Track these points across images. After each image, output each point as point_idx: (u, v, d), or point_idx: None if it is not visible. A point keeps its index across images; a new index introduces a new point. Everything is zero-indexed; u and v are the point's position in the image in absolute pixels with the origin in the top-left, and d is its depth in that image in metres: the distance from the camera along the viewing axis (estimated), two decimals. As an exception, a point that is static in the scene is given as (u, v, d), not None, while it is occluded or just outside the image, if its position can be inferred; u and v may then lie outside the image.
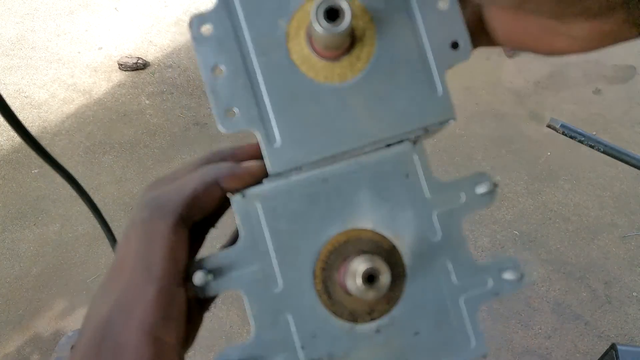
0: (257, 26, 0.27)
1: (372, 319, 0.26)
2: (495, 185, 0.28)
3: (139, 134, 2.37)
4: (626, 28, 0.24)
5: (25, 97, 2.47)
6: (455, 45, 0.27)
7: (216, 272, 0.25)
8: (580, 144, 1.06)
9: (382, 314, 0.26)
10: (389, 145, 0.27)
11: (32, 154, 0.52)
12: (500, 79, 2.89)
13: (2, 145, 2.26)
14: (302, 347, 0.25)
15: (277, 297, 0.25)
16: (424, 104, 0.27)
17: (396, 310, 0.26)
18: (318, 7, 0.23)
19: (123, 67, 2.63)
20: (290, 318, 0.25)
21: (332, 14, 0.24)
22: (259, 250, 0.26)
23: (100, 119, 2.42)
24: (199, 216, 0.27)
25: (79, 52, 2.73)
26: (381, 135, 0.27)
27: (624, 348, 1.09)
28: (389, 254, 0.26)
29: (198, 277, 0.25)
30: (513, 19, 0.27)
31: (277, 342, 0.25)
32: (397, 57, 0.27)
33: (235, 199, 0.26)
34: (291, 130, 0.27)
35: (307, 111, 0.27)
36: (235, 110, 0.26)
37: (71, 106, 2.46)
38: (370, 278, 0.23)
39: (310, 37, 0.27)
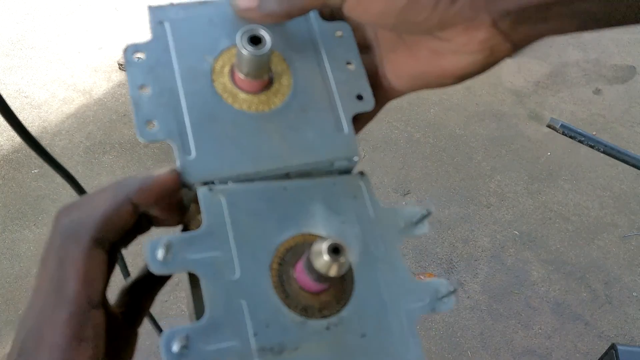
0: (186, 59, 0.30)
1: (323, 317, 0.27)
2: (428, 213, 0.31)
3: (139, 134, 2.37)
4: (497, 38, 0.27)
5: (25, 97, 2.47)
6: (360, 97, 0.32)
7: (175, 253, 0.26)
8: (580, 144, 1.06)
9: (332, 312, 0.27)
10: (340, 173, 0.31)
11: (32, 154, 0.52)
12: (500, 79, 2.89)
13: (2, 145, 2.26)
14: (255, 334, 0.25)
15: (233, 283, 0.26)
16: (331, 141, 0.31)
17: (345, 311, 0.28)
18: (243, 34, 0.27)
19: (123, 67, 2.63)
20: (244, 305, 0.26)
21: (255, 41, 0.28)
22: (220, 238, 0.27)
23: (100, 119, 2.42)
24: (114, 236, 0.27)
25: (79, 52, 2.73)
26: (290, 162, 0.30)
27: (624, 348, 1.09)
28: None
29: (160, 253, 0.25)
30: (403, 54, 0.31)
31: (230, 327, 0.25)
32: (310, 98, 0.31)
33: (201, 190, 0.28)
34: (206, 145, 0.28)
35: (224, 131, 0.29)
36: (155, 122, 0.28)
37: (71, 106, 2.46)
38: (335, 250, 0.24)
39: (233, 74, 0.30)
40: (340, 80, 0.32)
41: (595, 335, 1.89)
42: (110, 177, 2.18)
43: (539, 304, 1.97)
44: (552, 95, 2.86)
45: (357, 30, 0.34)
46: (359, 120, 0.33)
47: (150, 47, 0.30)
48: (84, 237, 0.26)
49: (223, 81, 0.30)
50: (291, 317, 0.26)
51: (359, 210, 0.30)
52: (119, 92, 2.55)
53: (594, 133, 2.61)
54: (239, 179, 0.29)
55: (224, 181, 0.28)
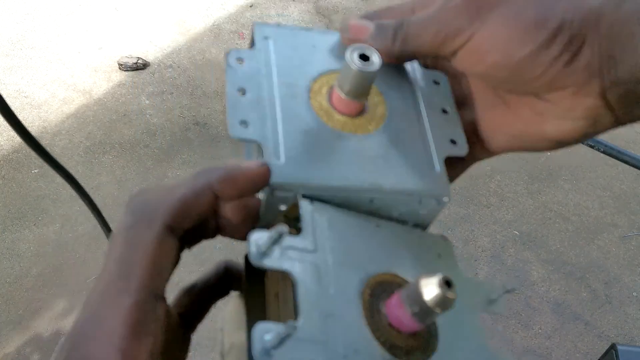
0: (285, 75, 0.31)
1: None
2: (511, 290, 0.30)
3: (139, 134, 2.37)
4: (603, 108, 0.27)
5: (25, 97, 2.47)
6: (453, 142, 0.31)
7: (276, 250, 0.25)
8: (580, 144, 1.06)
9: (418, 358, 0.26)
10: (424, 229, 0.31)
11: (32, 154, 0.52)
12: (500, 79, 2.89)
13: (2, 145, 2.26)
14: (344, 357, 0.24)
15: (328, 298, 0.25)
16: (421, 176, 0.30)
17: None
18: (354, 50, 0.28)
19: (123, 67, 2.63)
20: (337, 324, 0.24)
21: (364, 59, 0.28)
22: (318, 250, 0.26)
23: (100, 119, 2.42)
24: (189, 224, 0.25)
25: (79, 52, 2.73)
26: (378, 184, 0.29)
27: (624, 348, 1.09)
28: None
29: (263, 244, 0.24)
30: (501, 113, 0.31)
31: (320, 342, 0.24)
32: (403, 133, 0.31)
33: (304, 202, 0.28)
34: (296, 154, 0.28)
35: (315, 144, 0.29)
36: (249, 124, 0.28)
37: (71, 106, 2.46)
38: (447, 283, 0.24)
39: (331, 95, 0.30)
40: (434, 124, 0.32)
41: (595, 335, 1.89)
42: (110, 177, 2.19)
43: (539, 304, 1.97)
44: (552, 95, 2.86)
45: (453, 85, 0.34)
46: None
47: (252, 56, 0.31)
48: (158, 221, 0.24)
49: (320, 100, 0.31)
50: (380, 351, 0.25)
51: (443, 271, 0.29)
52: (119, 92, 2.55)
53: (594, 133, 2.60)
54: (326, 192, 0.28)
55: (310, 190, 0.28)
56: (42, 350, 1.71)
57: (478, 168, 2.14)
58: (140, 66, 2.64)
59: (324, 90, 0.31)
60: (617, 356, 1.08)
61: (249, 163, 0.27)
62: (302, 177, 0.28)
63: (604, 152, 1.05)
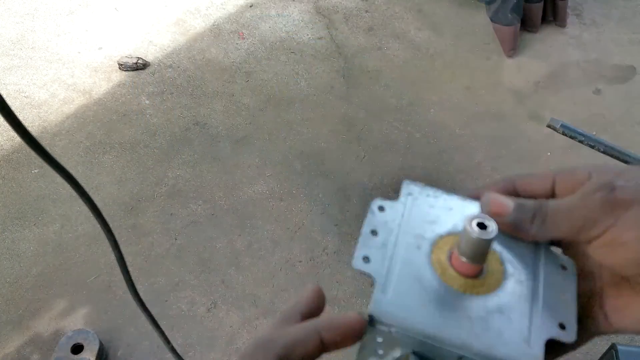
0: (417, 228, 0.35)
1: None
2: None
3: (139, 134, 2.37)
4: None
5: (25, 97, 2.47)
6: (562, 326, 0.32)
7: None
8: (580, 144, 1.06)
9: None
10: None
11: (32, 154, 0.52)
12: (500, 79, 2.89)
13: (2, 145, 2.26)
14: None
15: None
16: (516, 351, 0.30)
17: None
18: (473, 218, 0.31)
19: (123, 67, 2.63)
20: None
21: (482, 227, 0.30)
22: None
23: (100, 119, 2.42)
24: None
25: (79, 52, 2.73)
26: (469, 344, 0.30)
27: (624, 348, 1.09)
28: None
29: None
30: (628, 295, 0.32)
31: None
32: (511, 305, 0.32)
33: (413, 356, 0.30)
34: (403, 295, 0.32)
35: (423, 292, 0.32)
36: (371, 260, 0.33)
37: (71, 106, 2.46)
38: None
39: (451, 254, 0.33)
40: (548, 304, 0.32)
41: (595, 335, 1.89)
42: (110, 177, 2.19)
43: (539, 304, 1.96)
44: (552, 95, 2.86)
45: (579, 257, 0.35)
46: (553, 351, 0.33)
47: (393, 207, 0.36)
48: (271, 351, 0.28)
49: (439, 255, 0.34)
50: None
51: None
52: (119, 92, 2.55)
53: (594, 133, 2.60)
54: (418, 335, 0.30)
55: (404, 330, 0.31)
56: (42, 350, 1.71)
57: (478, 168, 2.11)
58: (140, 66, 2.64)
59: (446, 248, 0.34)
60: (617, 356, 1.08)
61: (349, 313, 0.31)
62: (400, 316, 0.31)
63: (604, 152, 1.05)
